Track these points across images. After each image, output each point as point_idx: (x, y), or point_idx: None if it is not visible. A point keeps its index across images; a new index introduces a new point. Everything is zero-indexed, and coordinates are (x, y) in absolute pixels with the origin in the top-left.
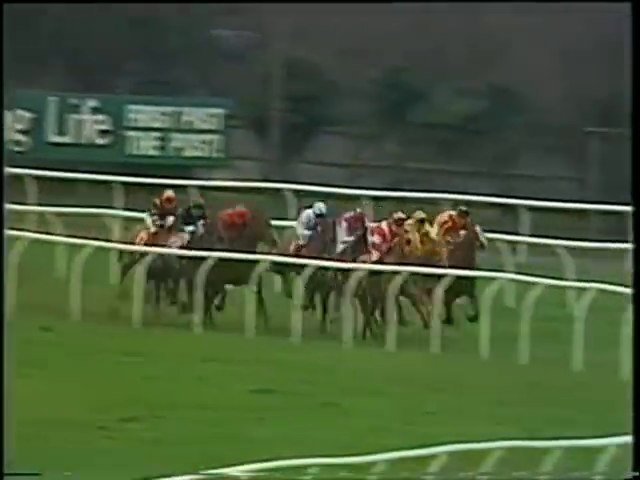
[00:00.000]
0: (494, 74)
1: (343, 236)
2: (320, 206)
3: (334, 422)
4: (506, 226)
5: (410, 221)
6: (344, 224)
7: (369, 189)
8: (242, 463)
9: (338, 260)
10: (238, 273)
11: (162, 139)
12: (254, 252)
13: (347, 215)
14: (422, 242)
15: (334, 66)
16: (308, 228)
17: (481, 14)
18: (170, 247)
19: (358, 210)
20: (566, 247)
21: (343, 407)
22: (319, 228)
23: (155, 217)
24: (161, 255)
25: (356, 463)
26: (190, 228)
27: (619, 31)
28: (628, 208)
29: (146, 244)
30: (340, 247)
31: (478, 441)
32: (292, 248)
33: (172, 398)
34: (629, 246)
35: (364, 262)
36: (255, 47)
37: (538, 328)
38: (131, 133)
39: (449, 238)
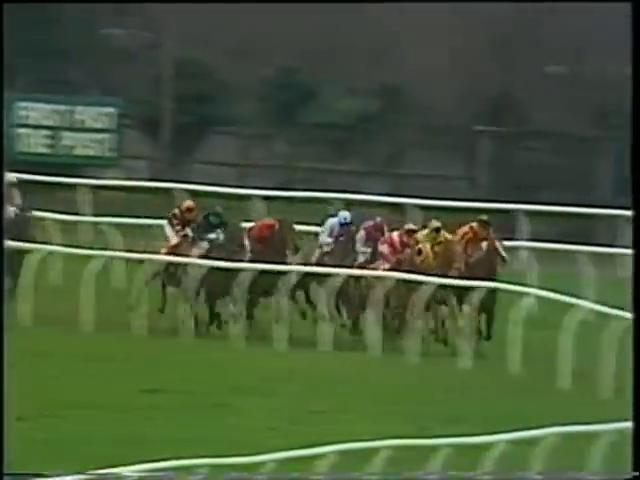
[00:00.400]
0: (385, 74)
1: (360, 246)
2: (345, 215)
3: (224, 422)
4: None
5: (425, 231)
6: (362, 233)
7: (260, 189)
8: (131, 463)
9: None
10: (265, 284)
11: (53, 137)
12: (283, 262)
13: (366, 224)
14: (436, 252)
15: (225, 66)
16: (332, 237)
17: (372, 14)
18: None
19: (378, 219)
20: None
21: (234, 407)
22: (343, 238)
23: (177, 227)
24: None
25: (246, 463)
26: (211, 236)
27: (508, 31)
28: (517, 206)
29: (169, 255)
30: (361, 258)
31: (367, 439)
32: (315, 257)
33: (61, 397)
34: (518, 244)
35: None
36: (147, 46)
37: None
38: (22, 130)
39: (469, 250)
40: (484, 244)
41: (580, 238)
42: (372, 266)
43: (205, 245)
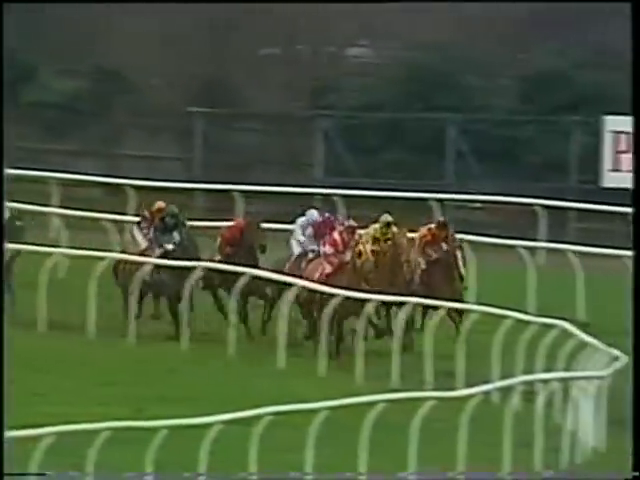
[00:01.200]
0: (102, 56)
1: (308, 244)
2: (313, 213)
3: None
4: (112, 206)
5: (375, 225)
6: (310, 230)
7: None
8: None
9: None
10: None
11: None
12: (254, 261)
13: (314, 220)
14: (378, 253)
15: None
16: (304, 237)
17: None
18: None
19: (326, 215)
20: None
21: None
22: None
23: (145, 231)
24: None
25: None
26: (167, 241)
27: (223, 14)
28: (232, 187)
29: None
30: (309, 255)
31: (87, 421)
32: (290, 261)
33: None
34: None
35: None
36: None
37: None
38: None
39: (428, 252)
40: (443, 245)
41: (296, 217)
42: (314, 266)
43: (159, 250)
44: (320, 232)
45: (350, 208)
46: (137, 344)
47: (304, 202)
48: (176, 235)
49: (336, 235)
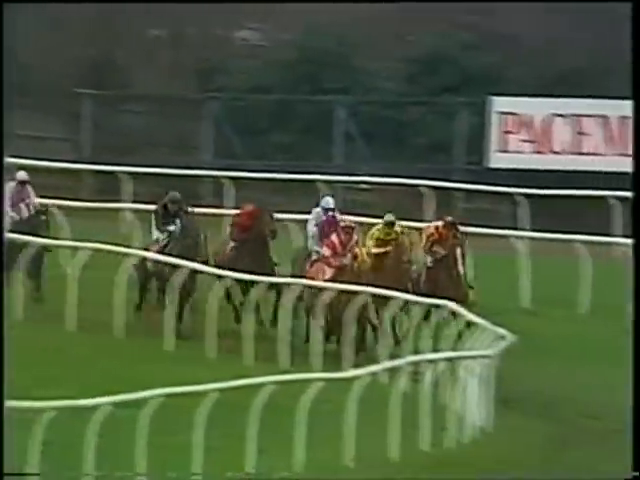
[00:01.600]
0: None
1: (312, 244)
2: (328, 200)
3: None
4: None
5: (378, 225)
6: (315, 230)
7: None
8: None
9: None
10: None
11: None
12: (265, 248)
13: (320, 217)
14: (378, 255)
15: None
16: (317, 226)
17: None
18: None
19: (330, 214)
20: (59, 207)
21: None
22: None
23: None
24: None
25: None
26: (170, 228)
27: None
28: (118, 168)
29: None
30: (313, 256)
31: None
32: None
33: None
34: (120, 206)
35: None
36: None
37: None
38: None
39: (436, 250)
40: (448, 244)
41: (186, 199)
42: (316, 269)
43: (162, 237)
44: (324, 232)
45: (239, 190)
46: (23, 324)
47: (192, 184)
48: (178, 221)
49: (334, 237)
